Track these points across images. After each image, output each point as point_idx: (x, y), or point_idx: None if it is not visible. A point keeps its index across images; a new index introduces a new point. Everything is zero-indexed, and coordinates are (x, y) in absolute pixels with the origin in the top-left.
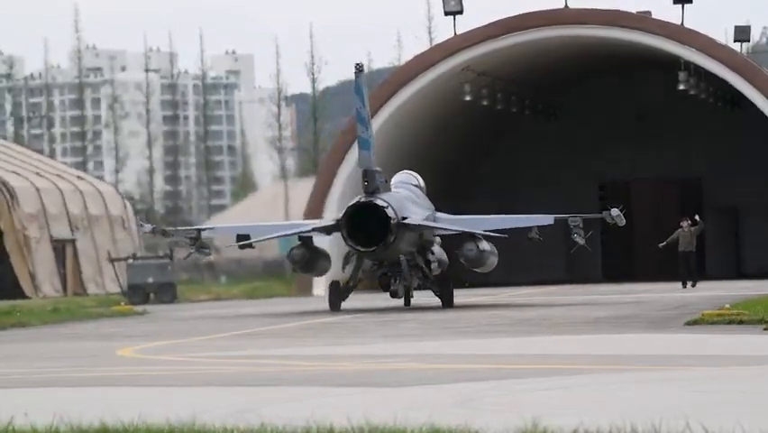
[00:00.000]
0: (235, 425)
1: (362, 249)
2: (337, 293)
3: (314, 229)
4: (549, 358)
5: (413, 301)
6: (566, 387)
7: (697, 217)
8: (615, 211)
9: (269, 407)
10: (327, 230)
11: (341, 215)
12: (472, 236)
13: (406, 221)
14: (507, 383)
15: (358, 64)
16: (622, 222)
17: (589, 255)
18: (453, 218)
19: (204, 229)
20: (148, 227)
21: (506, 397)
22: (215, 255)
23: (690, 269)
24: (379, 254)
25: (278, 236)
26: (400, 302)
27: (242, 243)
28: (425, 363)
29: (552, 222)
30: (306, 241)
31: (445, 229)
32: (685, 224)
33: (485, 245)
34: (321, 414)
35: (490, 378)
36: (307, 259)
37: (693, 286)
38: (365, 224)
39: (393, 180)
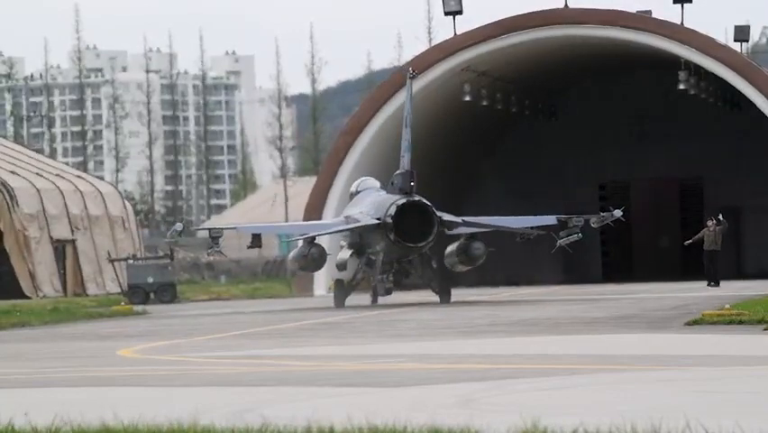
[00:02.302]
0: (235, 425)
1: (411, 245)
2: (342, 291)
3: (360, 227)
4: (549, 358)
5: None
6: (566, 387)
7: (720, 217)
8: (617, 212)
9: (269, 407)
10: (371, 228)
11: (390, 213)
12: (473, 236)
13: (444, 219)
14: (507, 383)
15: (412, 69)
16: (598, 225)
17: (589, 255)
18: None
19: (228, 228)
20: (179, 226)
21: (506, 397)
22: (217, 256)
23: (714, 268)
24: (420, 250)
25: (326, 233)
26: (400, 301)
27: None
28: (424, 363)
29: (554, 222)
30: (314, 240)
31: (483, 226)
32: (711, 223)
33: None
34: (321, 414)
35: (490, 378)
36: (323, 258)
37: (712, 285)
38: (405, 222)
39: (359, 185)
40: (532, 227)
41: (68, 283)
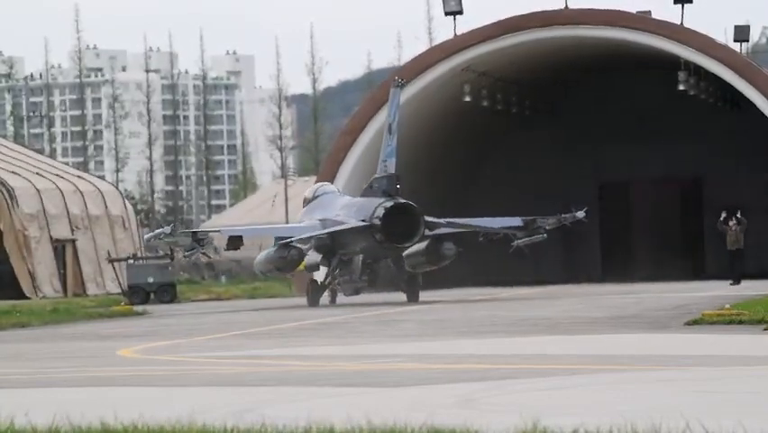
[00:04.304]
0: (235, 425)
1: (399, 245)
2: (317, 291)
3: (346, 230)
4: (548, 358)
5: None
6: (566, 387)
7: (738, 215)
8: (580, 213)
9: (269, 407)
10: (358, 230)
11: (378, 214)
12: (441, 236)
13: (427, 220)
14: (506, 383)
15: (400, 78)
16: (552, 227)
17: (589, 255)
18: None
19: (213, 231)
20: (168, 229)
21: (506, 397)
22: (215, 256)
23: (740, 267)
24: (404, 251)
25: (317, 234)
26: (368, 301)
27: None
28: (424, 363)
29: (520, 223)
30: (291, 242)
31: (462, 226)
32: (732, 223)
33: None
34: (321, 414)
35: (490, 378)
36: (301, 259)
37: (736, 283)
38: (393, 223)
39: (316, 191)
40: (503, 227)
41: (68, 283)
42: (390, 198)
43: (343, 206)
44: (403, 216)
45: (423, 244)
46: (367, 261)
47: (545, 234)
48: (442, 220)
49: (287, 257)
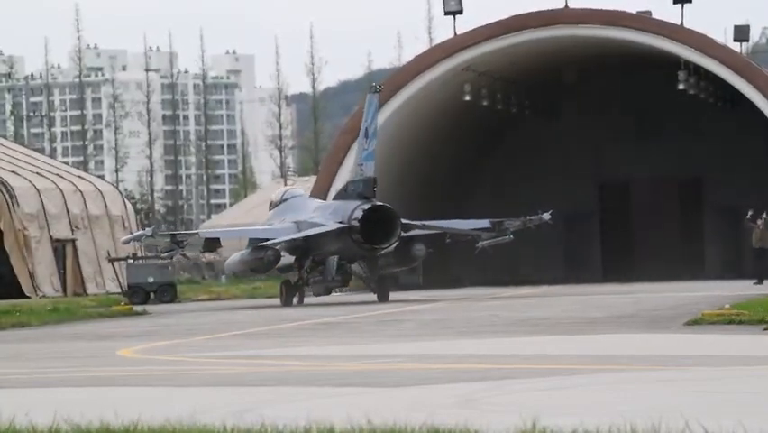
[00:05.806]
0: (235, 425)
1: (377, 246)
2: (291, 291)
3: (324, 232)
4: (548, 358)
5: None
6: (566, 387)
7: (765, 215)
8: (546, 215)
9: (269, 407)
10: (337, 232)
11: (356, 216)
12: (412, 237)
13: (403, 222)
14: (506, 383)
15: (378, 85)
16: (515, 229)
17: (589, 255)
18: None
19: (191, 233)
20: (149, 231)
21: (506, 397)
22: (216, 256)
23: (763, 266)
24: (381, 252)
25: (300, 235)
26: (337, 300)
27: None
28: (424, 363)
29: (488, 225)
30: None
31: (436, 228)
32: (760, 221)
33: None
34: (321, 414)
35: (490, 378)
36: (278, 260)
37: (759, 283)
38: (371, 225)
39: (284, 194)
40: (472, 229)
41: (68, 283)
42: (367, 201)
43: (317, 208)
44: (380, 217)
45: (392, 246)
46: (341, 261)
47: (511, 236)
48: (417, 222)
49: (263, 258)
